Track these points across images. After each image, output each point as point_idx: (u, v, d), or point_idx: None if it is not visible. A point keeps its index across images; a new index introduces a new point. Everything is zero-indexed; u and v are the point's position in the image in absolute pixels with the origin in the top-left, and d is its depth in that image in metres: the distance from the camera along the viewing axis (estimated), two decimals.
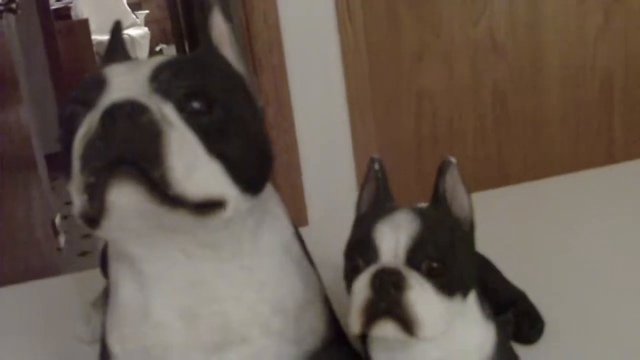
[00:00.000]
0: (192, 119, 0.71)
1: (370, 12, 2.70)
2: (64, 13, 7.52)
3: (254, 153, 0.77)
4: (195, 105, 0.72)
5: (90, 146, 0.69)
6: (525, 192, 1.54)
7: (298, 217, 2.58)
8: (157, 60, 0.76)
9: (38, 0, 5.48)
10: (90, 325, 1.12)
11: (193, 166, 0.70)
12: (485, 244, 1.03)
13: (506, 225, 1.36)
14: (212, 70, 0.77)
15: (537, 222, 1.37)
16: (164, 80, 0.73)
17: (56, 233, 4.03)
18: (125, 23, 7.96)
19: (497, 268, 1.00)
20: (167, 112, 0.71)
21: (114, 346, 0.84)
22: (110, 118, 0.68)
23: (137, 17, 8.27)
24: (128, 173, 0.67)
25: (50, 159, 4.26)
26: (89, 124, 0.70)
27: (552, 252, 1.23)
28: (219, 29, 0.83)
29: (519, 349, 0.94)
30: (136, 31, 7.93)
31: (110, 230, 0.73)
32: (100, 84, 0.74)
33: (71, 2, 7.93)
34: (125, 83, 0.73)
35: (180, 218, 0.71)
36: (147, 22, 8.38)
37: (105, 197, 0.68)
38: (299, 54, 2.69)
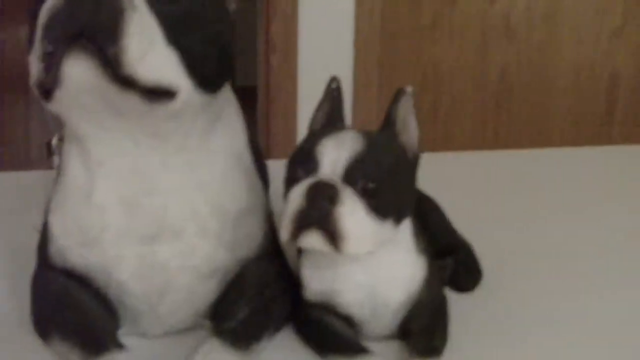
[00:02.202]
0: (157, 5, 0.73)
1: None
2: None
3: (213, 50, 0.78)
4: None
5: (54, 17, 0.71)
6: (516, 159, 1.56)
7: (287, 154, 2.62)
8: None
9: None
10: None
11: (148, 50, 0.71)
12: (458, 199, 1.07)
13: (486, 186, 1.38)
14: None
15: (519, 187, 1.38)
16: None
17: (50, 154, 4.03)
18: None
19: (446, 214, 1.01)
20: None
21: (54, 225, 0.86)
22: None
23: None
24: (85, 47, 0.70)
25: None
26: None
27: (523, 218, 1.25)
28: None
29: (451, 295, 0.95)
30: None
31: (62, 103, 0.75)
32: None
33: None
34: None
35: (130, 101, 0.72)
36: None
37: (60, 68, 0.70)
38: (313, 6, 2.70)
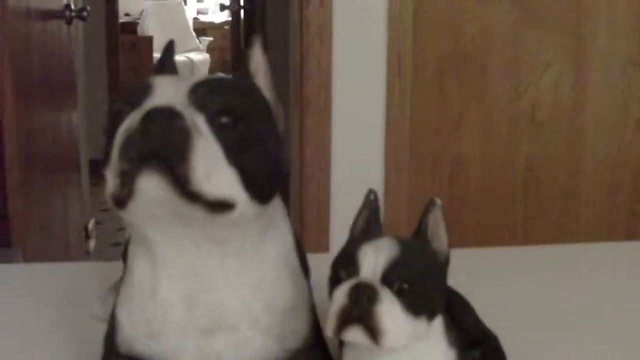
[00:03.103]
0: (219, 131, 0.84)
1: (420, 72, 2.83)
2: (131, 28, 7.78)
3: (267, 168, 0.89)
4: (224, 120, 0.85)
5: (129, 139, 0.82)
6: (543, 254, 1.63)
7: (320, 246, 2.74)
8: (199, 77, 0.89)
9: (107, 12, 5.69)
10: (106, 305, 1.24)
11: (212, 170, 0.82)
12: (485, 293, 1.14)
13: (512, 281, 1.45)
14: (244, 93, 0.90)
15: (544, 282, 1.44)
16: (200, 95, 0.86)
17: (87, 237, 4.16)
18: (187, 46, 8.21)
19: (473, 308, 1.10)
20: (198, 122, 0.84)
21: (122, 317, 0.96)
22: (150, 118, 0.81)
23: (200, 43, 8.52)
24: (157, 166, 0.80)
25: (93, 164, 4.41)
26: (131, 120, 0.83)
27: (548, 312, 1.31)
28: (257, 60, 0.96)
29: None
30: (197, 56, 8.17)
31: (134, 213, 0.85)
32: (147, 90, 0.87)
33: (139, 19, 8.18)
34: (167, 92, 0.87)
35: (195, 212, 0.83)
36: (209, 49, 8.63)
37: (135, 183, 0.81)
38: (346, 101, 2.83)
